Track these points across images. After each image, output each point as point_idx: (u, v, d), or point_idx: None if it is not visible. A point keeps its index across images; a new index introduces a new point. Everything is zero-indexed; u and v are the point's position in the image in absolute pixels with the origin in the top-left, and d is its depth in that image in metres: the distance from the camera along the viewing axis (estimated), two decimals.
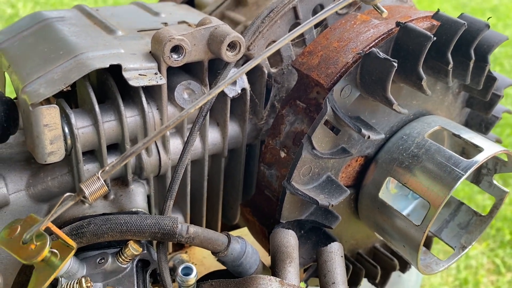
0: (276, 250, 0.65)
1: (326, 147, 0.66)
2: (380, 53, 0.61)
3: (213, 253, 0.61)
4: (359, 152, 0.72)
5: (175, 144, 0.72)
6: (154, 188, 0.74)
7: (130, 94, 0.67)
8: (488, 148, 0.67)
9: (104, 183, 0.48)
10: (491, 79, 0.76)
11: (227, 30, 0.64)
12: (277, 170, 0.72)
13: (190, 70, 0.71)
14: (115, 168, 0.49)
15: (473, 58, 0.67)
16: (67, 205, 0.49)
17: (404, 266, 0.91)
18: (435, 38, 0.62)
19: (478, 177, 0.83)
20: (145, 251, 0.61)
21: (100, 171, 0.48)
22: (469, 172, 0.64)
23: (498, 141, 0.94)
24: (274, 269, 0.63)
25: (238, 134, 0.79)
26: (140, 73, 0.61)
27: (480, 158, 0.65)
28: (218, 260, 0.62)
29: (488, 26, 0.67)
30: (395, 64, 0.59)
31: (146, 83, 0.60)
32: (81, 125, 0.63)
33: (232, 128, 0.78)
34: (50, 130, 0.57)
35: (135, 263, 0.60)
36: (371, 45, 0.65)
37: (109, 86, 0.65)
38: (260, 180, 0.76)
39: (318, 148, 0.65)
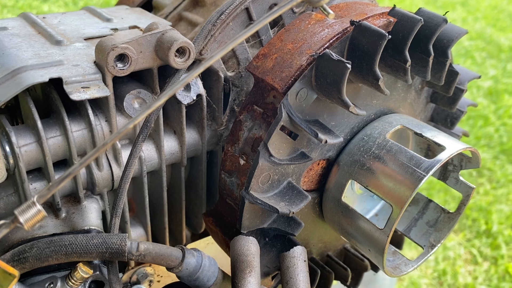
0: (235, 259, 0.63)
1: (284, 153, 0.64)
2: (334, 54, 0.59)
3: (168, 268, 0.59)
4: (320, 156, 0.70)
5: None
6: (110, 203, 0.71)
7: (77, 107, 0.64)
8: (450, 146, 0.66)
9: (41, 208, 0.45)
10: (453, 74, 0.75)
11: (175, 36, 0.62)
12: (237, 178, 0.70)
13: (140, 78, 0.68)
14: (52, 191, 0.46)
15: (432, 54, 0.66)
16: (1, 233, 0.46)
17: (376, 266, 0.90)
18: (390, 36, 0.60)
19: (444, 174, 0.82)
20: (97, 272, 0.58)
21: (36, 196, 0.45)
22: (430, 172, 0.63)
23: (465, 135, 0.93)
24: (234, 280, 0.61)
25: (197, 141, 0.76)
26: (83, 85, 0.58)
27: (442, 157, 0.64)
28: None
29: (446, 21, 0.66)
30: (349, 66, 0.57)
31: (88, 97, 0.57)
32: (24, 143, 0.60)
33: (191, 135, 0.76)
34: None
35: (87, 285, 0.57)
36: (326, 45, 0.63)
37: (53, 99, 0.62)
38: (222, 188, 0.74)
39: (276, 154, 0.63)
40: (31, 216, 0.45)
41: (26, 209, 0.45)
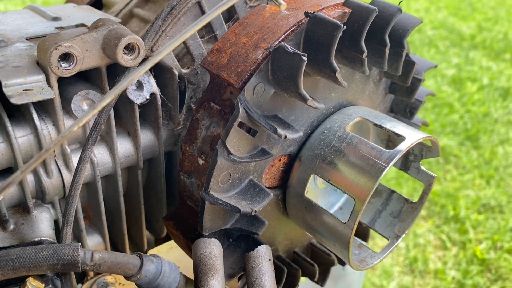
0: (198, 263, 0.60)
1: (244, 151, 0.63)
2: (289, 47, 0.57)
3: (126, 277, 0.56)
4: (281, 151, 0.69)
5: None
6: (63, 211, 0.67)
7: (21, 111, 0.60)
8: (410, 136, 0.66)
9: None
10: (410, 64, 0.75)
11: (122, 32, 0.59)
12: (197, 178, 0.67)
13: (88, 77, 0.65)
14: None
15: (388, 44, 0.65)
16: None
17: (343, 260, 0.89)
18: (345, 27, 0.59)
19: (406, 164, 0.82)
20: (50, 286, 0.55)
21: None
22: (391, 163, 0.62)
23: (425, 124, 0.94)
24: (196, 285, 0.59)
25: (154, 142, 0.73)
26: (25, 88, 0.54)
27: (402, 147, 0.64)
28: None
29: (400, 10, 0.65)
30: (305, 58, 0.56)
31: (31, 99, 0.53)
32: None
33: (146, 136, 0.73)
34: None
35: None
36: (281, 38, 0.61)
37: None
38: (182, 190, 0.71)
39: (235, 152, 0.61)
40: None
41: None
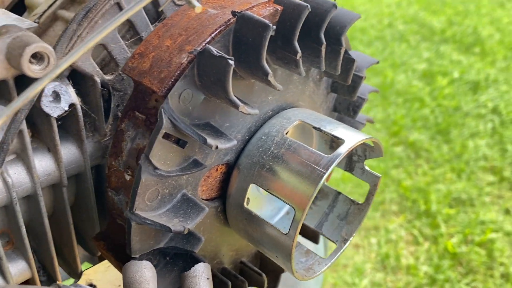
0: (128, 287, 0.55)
1: (173, 164, 0.58)
2: (215, 50, 0.53)
3: None
4: (217, 161, 0.64)
5: None
6: None
7: None
8: (349, 139, 0.63)
9: None
10: (350, 61, 0.72)
11: (28, 39, 0.52)
12: (125, 195, 0.62)
13: None
14: None
15: (324, 42, 0.62)
16: None
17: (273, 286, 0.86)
18: (274, 26, 0.55)
19: (350, 165, 0.79)
20: None
21: None
22: (330, 169, 0.59)
23: (370, 121, 0.91)
24: None
25: (78, 156, 0.67)
26: None
27: (341, 151, 0.61)
28: None
29: (335, 6, 0.62)
30: (232, 63, 0.52)
31: None
32: None
33: (69, 151, 0.66)
34: None
35: None
36: (207, 40, 0.57)
37: None
38: (111, 207, 0.66)
39: (163, 166, 0.56)
40: None
41: None
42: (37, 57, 0.54)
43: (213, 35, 0.57)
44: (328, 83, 0.80)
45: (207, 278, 0.60)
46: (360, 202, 0.79)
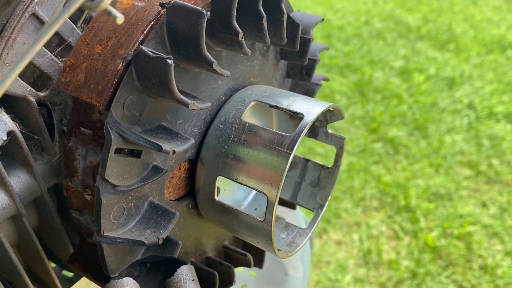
0: None
1: (132, 176, 0.54)
2: (149, 51, 0.49)
3: None
4: (178, 161, 0.61)
5: None
6: None
7: None
8: (309, 112, 0.61)
9: None
10: (294, 27, 0.69)
11: None
12: (89, 215, 0.59)
13: None
14: None
15: (264, 16, 0.58)
16: None
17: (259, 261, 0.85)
18: (208, 13, 0.51)
19: (313, 131, 0.78)
20: None
21: None
22: (295, 147, 0.57)
23: (325, 79, 0.89)
24: None
25: (30, 182, 0.63)
26: None
27: (303, 127, 0.59)
28: None
29: None
30: (171, 62, 0.48)
31: None
32: None
33: (19, 179, 0.62)
34: None
35: None
36: (140, 40, 0.52)
37: None
38: (78, 228, 0.62)
39: (122, 182, 0.53)
40: None
41: None
42: None
43: (145, 32, 0.53)
44: (276, 51, 0.76)
45: (192, 280, 0.58)
46: (329, 166, 0.79)
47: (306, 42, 0.74)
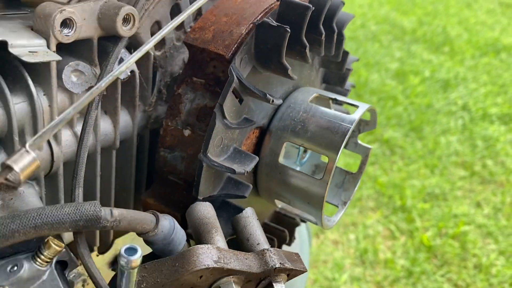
0: (198, 223, 0.63)
1: (234, 117, 0.69)
2: (273, 21, 0.66)
3: (141, 234, 0.57)
4: (256, 123, 0.76)
5: (65, 136, 0.65)
6: (47, 190, 0.65)
7: (10, 79, 0.58)
8: (361, 105, 0.78)
9: (35, 156, 0.41)
10: (340, 41, 0.86)
11: (119, 3, 0.62)
12: (181, 151, 0.71)
13: (72, 51, 0.65)
14: (44, 139, 0.42)
15: (324, 33, 0.74)
16: None
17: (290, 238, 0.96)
18: (313, 7, 0.70)
19: None
20: (64, 249, 0.53)
21: (28, 143, 0.41)
22: (354, 123, 0.73)
23: (353, 86, 1.04)
24: (201, 242, 0.62)
25: (128, 122, 0.75)
26: (30, 50, 0.54)
27: (360, 112, 0.75)
28: (145, 241, 0.58)
29: (343, 3, 0.78)
30: (289, 30, 0.65)
31: (41, 60, 0.53)
32: None
33: (121, 116, 0.74)
34: None
35: (53, 265, 0.52)
36: (259, 17, 0.69)
37: None
38: (161, 167, 0.73)
39: (228, 118, 0.66)
40: (26, 164, 0.40)
41: (19, 158, 0.40)
42: (124, 19, 0.63)
43: (262, 14, 0.70)
44: (318, 61, 0.94)
45: (257, 219, 0.69)
46: (353, 172, 0.94)
47: (345, 54, 0.92)
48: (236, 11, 0.72)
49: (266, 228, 0.91)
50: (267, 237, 0.85)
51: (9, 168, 0.42)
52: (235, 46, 0.68)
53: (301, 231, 1.08)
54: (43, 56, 0.54)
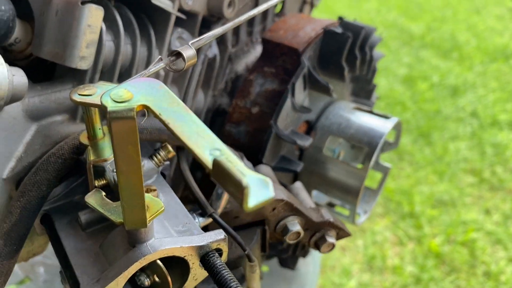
0: None
1: (298, 100, 0.81)
2: (337, 29, 0.81)
3: None
4: (307, 116, 0.89)
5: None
6: None
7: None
8: (392, 117, 0.92)
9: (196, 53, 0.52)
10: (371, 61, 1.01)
11: None
12: (246, 126, 0.84)
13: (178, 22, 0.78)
14: (209, 40, 0.54)
15: (359, 57, 0.91)
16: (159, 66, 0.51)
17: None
18: (353, 37, 0.84)
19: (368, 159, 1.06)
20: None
21: (191, 41, 0.52)
22: (391, 126, 0.87)
23: (377, 98, 1.18)
24: None
25: (201, 100, 0.88)
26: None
27: (394, 120, 0.90)
28: None
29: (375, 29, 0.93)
30: (351, 36, 0.80)
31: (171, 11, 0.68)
32: (107, 39, 0.65)
33: (198, 97, 0.87)
34: (91, 33, 0.58)
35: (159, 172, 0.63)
36: (319, 32, 0.85)
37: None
38: (225, 141, 0.86)
39: (295, 98, 0.79)
40: (190, 56, 0.51)
41: (184, 49, 0.51)
42: (230, 3, 0.77)
43: (317, 32, 0.85)
44: (349, 76, 1.08)
45: (305, 189, 0.81)
46: (374, 188, 1.06)
47: (373, 71, 1.06)
48: (300, 25, 0.87)
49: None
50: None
51: (178, 54, 0.51)
52: (306, 43, 0.82)
53: None
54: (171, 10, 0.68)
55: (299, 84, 0.81)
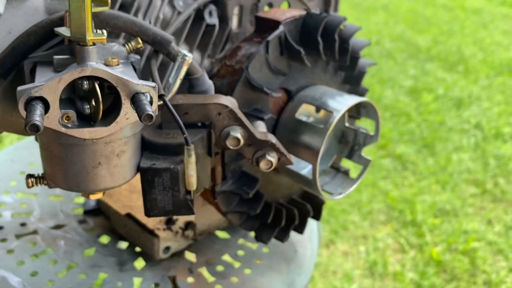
0: None
1: (274, 63, 0.97)
2: (316, 12, 0.97)
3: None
4: (286, 85, 1.04)
5: None
6: None
7: None
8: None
9: None
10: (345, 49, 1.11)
11: None
12: (229, 78, 0.97)
13: None
14: None
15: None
16: None
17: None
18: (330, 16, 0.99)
19: (351, 153, 1.12)
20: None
21: None
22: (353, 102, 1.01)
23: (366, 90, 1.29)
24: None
25: (197, 61, 1.01)
26: None
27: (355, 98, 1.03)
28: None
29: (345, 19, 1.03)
30: (327, 16, 0.96)
31: None
32: None
33: (194, 54, 0.92)
34: None
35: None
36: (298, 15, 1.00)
37: None
38: None
39: (270, 55, 0.94)
40: None
41: None
42: None
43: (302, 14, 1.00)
44: (333, 65, 1.19)
45: None
46: (353, 178, 1.11)
47: (355, 59, 1.18)
48: (295, 10, 1.03)
49: (292, 203, 1.07)
50: (292, 212, 1.06)
51: None
52: (286, 19, 0.98)
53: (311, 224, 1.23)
54: None
55: (274, 44, 0.92)
